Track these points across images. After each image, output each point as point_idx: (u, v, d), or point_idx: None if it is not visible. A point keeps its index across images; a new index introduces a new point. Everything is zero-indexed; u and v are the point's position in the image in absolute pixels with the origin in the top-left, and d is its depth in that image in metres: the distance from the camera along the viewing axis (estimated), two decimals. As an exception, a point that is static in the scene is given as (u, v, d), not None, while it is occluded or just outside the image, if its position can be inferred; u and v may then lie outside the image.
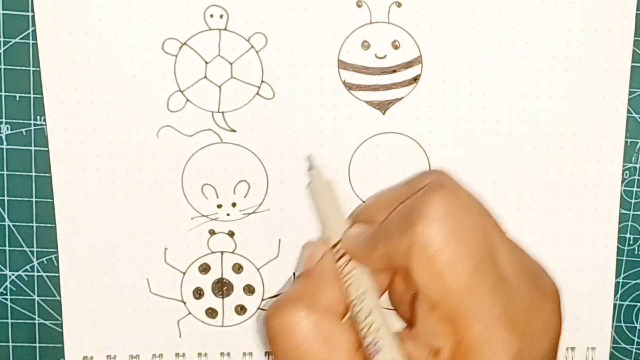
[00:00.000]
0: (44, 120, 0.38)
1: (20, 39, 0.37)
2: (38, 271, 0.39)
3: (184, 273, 0.40)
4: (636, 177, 0.40)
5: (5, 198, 0.38)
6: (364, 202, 0.39)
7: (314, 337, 0.31)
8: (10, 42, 0.37)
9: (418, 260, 0.29)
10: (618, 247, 0.40)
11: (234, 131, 0.38)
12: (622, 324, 0.42)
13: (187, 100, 0.38)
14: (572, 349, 0.41)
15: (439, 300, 0.28)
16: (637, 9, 0.38)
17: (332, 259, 0.34)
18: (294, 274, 0.40)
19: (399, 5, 0.37)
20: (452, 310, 0.28)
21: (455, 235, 0.28)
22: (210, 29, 0.37)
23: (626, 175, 0.40)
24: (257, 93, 0.38)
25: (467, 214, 0.29)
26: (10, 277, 0.39)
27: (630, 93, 0.39)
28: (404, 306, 0.33)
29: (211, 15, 0.37)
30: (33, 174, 0.38)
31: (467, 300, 0.28)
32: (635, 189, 0.40)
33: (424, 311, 0.29)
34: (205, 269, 0.40)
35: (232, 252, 0.40)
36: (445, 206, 0.29)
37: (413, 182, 0.34)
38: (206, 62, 0.37)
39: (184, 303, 0.40)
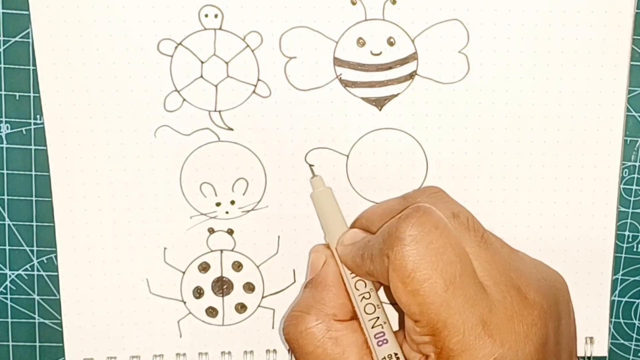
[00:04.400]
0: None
1: (20, 37, 0.37)
2: (38, 270, 0.40)
3: (184, 272, 0.40)
4: (635, 176, 0.40)
5: (5, 197, 0.39)
6: (368, 200, 0.40)
7: (327, 340, 0.34)
8: (10, 41, 0.37)
9: (395, 282, 0.31)
10: (617, 244, 0.40)
11: (232, 129, 0.38)
12: (621, 320, 0.41)
13: (184, 100, 0.38)
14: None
15: (418, 316, 0.31)
16: (638, 8, 0.38)
17: (335, 264, 0.36)
18: (293, 270, 0.40)
19: (394, 2, 0.38)
20: (431, 323, 0.30)
21: (427, 256, 0.31)
22: (205, 29, 0.37)
23: (625, 174, 0.40)
24: (254, 91, 0.38)
25: (438, 236, 0.31)
26: (10, 276, 0.40)
27: (629, 92, 0.39)
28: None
29: (206, 15, 0.37)
30: (33, 173, 0.39)
31: (444, 313, 0.30)
32: (634, 187, 0.40)
33: (409, 324, 0.32)
34: (204, 267, 0.40)
35: (232, 250, 0.40)
36: (417, 231, 0.31)
37: (407, 198, 0.36)
38: (202, 62, 0.38)
39: (184, 303, 0.40)
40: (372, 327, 0.34)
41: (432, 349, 0.31)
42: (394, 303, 0.37)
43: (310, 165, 0.39)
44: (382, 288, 0.37)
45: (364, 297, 0.35)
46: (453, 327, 0.30)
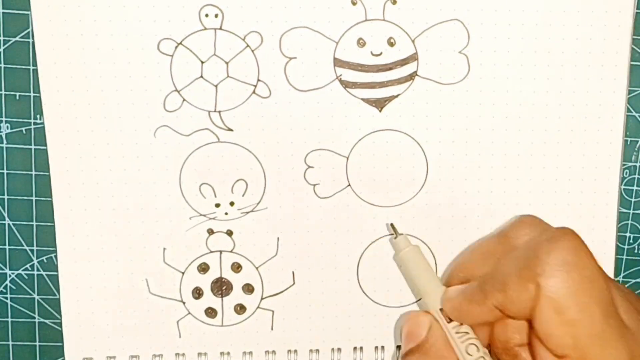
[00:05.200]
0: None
1: (20, 37, 0.37)
2: (38, 270, 0.40)
3: (183, 273, 0.40)
4: (636, 176, 0.40)
5: (5, 197, 0.39)
6: (368, 203, 0.39)
7: None
8: (10, 40, 0.37)
9: (545, 312, 0.29)
10: (618, 245, 0.40)
11: (231, 130, 0.38)
12: (623, 321, 0.41)
13: (184, 100, 0.38)
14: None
15: (570, 349, 0.29)
16: (638, 8, 0.38)
17: (440, 329, 0.34)
18: (292, 272, 0.40)
19: (394, 2, 0.38)
20: (584, 357, 0.28)
21: (582, 284, 0.29)
22: (205, 29, 0.37)
23: (626, 174, 0.40)
24: (254, 92, 0.38)
25: (588, 262, 0.29)
26: (10, 276, 0.40)
27: (629, 92, 0.39)
28: (506, 351, 0.34)
29: (206, 15, 0.37)
30: (33, 172, 0.39)
31: (599, 348, 0.28)
32: (635, 187, 0.40)
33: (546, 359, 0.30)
34: (204, 268, 0.40)
35: (231, 251, 0.40)
36: (568, 256, 0.29)
37: (507, 234, 0.34)
38: (202, 62, 0.38)
39: (184, 303, 0.40)
40: None
41: None
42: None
43: (392, 224, 0.38)
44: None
45: None
46: None
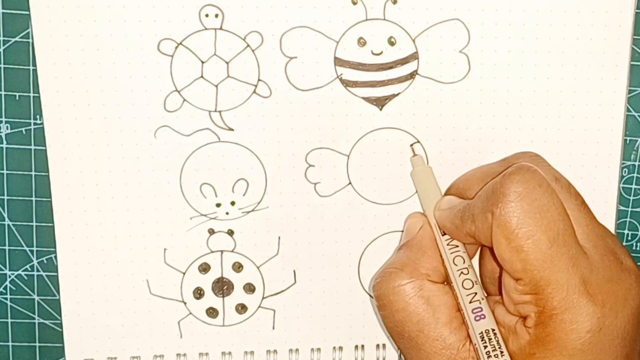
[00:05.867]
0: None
1: (20, 37, 0.37)
2: (38, 270, 0.39)
3: (184, 273, 0.40)
4: (635, 175, 0.40)
5: (5, 197, 0.39)
6: (369, 201, 0.40)
7: (418, 299, 0.34)
8: (10, 41, 0.37)
9: (497, 238, 0.31)
10: (617, 242, 0.40)
11: (232, 130, 0.38)
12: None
13: (184, 100, 0.38)
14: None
15: (521, 273, 0.31)
16: (638, 8, 0.38)
17: (430, 231, 0.37)
18: (294, 271, 0.40)
19: (395, 2, 0.38)
20: (534, 281, 0.31)
21: (532, 213, 0.31)
22: (205, 29, 0.37)
23: (625, 173, 0.40)
24: (254, 91, 0.38)
25: (541, 194, 0.31)
26: (10, 276, 0.39)
27: (629, 92, 0.39)
28: (493, 282, 0.37)
29: (206, 15, 0.37)
30: (33, 173, 0.38)
31: (547, 271, 0.30)
32: (634, 186, 0.40)
33: (509, 283, 0.32)
34: (205, 268, 0.40)
35: (232, 251, 0.40)
36: (521, 187, 0.31)
37: (509, 160, 0.36)
38: (202, 62, 0.37)
39: (185, 303, 0.40)
40: (470, 302, 0.34)
41: (532, 309, 0.31)
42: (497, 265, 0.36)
43: (412, 145, 0.39)
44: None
45: (462, 272, 0.35)
46: (557, 284, 0.30)
